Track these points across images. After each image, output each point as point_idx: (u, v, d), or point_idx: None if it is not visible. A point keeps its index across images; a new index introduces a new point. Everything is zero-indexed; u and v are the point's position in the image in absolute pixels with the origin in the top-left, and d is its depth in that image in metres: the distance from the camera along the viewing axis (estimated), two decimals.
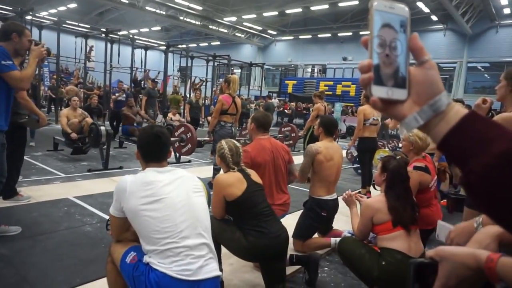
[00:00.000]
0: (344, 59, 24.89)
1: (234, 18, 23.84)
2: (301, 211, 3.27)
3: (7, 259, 2.59)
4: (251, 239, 2.18)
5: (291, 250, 3.05)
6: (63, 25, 12.32)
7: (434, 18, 19.85)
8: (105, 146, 5.64)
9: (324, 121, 3.21)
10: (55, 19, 12.69)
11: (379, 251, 2.24)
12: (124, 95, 9.17)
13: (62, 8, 22.66)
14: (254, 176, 2.37)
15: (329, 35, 24.81)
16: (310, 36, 25.90)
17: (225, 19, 23.98)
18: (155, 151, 1.82)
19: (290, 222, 3.10)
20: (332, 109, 16.72)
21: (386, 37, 0.51)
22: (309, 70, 28.29)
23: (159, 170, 1.77)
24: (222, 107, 4.79)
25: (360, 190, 5.23)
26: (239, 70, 25.82)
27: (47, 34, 12.96)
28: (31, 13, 10.98)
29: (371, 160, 5.30)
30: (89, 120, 6.38)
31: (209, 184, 4.66)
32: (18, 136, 3.71)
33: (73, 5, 21.49)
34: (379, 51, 0.51)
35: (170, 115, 8.81)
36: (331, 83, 23.49)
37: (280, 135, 8.79)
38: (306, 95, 20.76)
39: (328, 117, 3.36)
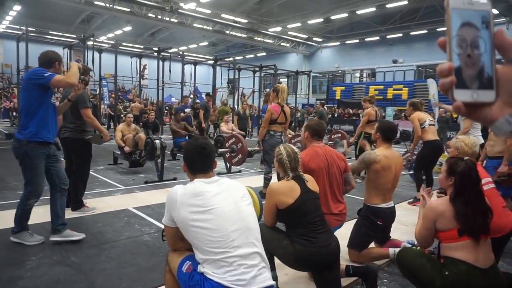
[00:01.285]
0: (394, 61, 23.99)
1: (279, 28, 24.03)
2: (356, 220, 3.16)
3: (77, 266, 2.79)
4: (298, 247, 2.15)
5: (347, 260, 2.96)
6: (120, 47, 13.21)
7: (495, 11, 18.52)
8: (160, 159, 5.90)
9: (382, 126, 3.07)
10: (113, 42, 13.67)
11: (442, 261, 2.09)
12: (189, 110, 9.36)
13: (118, 32, 24.32)
14: (311, 184, 2.33)
15: (377, 38, 24.10)
16: (357, 41, 25.34)
17: (270, 29, 24.26)
18: (200, 162, 1.86)
19: (344, 231, 3.01)
20: (384, 114, 16.13)
21: (467, 36, 0.48)
22: (358, 75, 27.61)
23: (206, 181, 1.81)
24: (271, 116, 4.81)
25: (416, 196, 4.98)
26: (286, 79, 25.84)
27: (106, 57, 13.99)
28: (92, 38, 11.89)
29: (432, 164, 5.01)
30: (142, 135, 6.74)
31: (261, 194, 4.68)
32: (84, 151, 4.03)
33: (128, 28, 22.99)
34: (460, 52, 0.48)
35: (223, 124, 8.97)
36: (382, 87, 22.72)
37: (330, 142, 8.63)
38: (355, 101, 20.24)
39: (387, 122, 3.21)
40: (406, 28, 22.16)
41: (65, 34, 20.98)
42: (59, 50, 15.06)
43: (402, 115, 17.39)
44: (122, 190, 5.29)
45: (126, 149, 6.52)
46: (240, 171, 7.12)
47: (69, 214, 4.02)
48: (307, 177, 2.35)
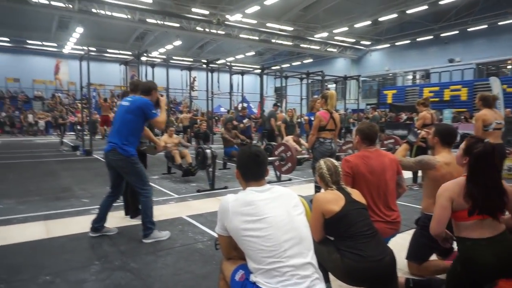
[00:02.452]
0: (451, 61, 22.65)
1: (325, 34, 23.78)
2: (414, 230, 3.00)
3: (136, 272, 2.93)
4: (347, 261, 2.07)
5: (406, 273, 2.82)
6: (170, 61, 13.84)
7: None
8: (211, 168, 6.05)
9: (440, 129, 2.89)
10: (164, 57, 14.35)
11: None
12: (247, 120, 9.56)
13: (169, 47, 25.51)
14: (355, 195, 2.27)
15: (430, 37, 22.95)
16: (408, 41, 24.31)
17: (316, 36, 24.08)
18: (253, 169, 1.87)
19: (400, 241, 2.87)
20: (441, 117, 15.24)
21: None
22: (410, 77, 26.44)
23: (258, 190, 1.82)
24: (320, 123, 4.75)
25: None
26: (334, 85, 25.43)
27: (158, 71, 14.71)
28: (145, 54, 12.58)
29: None
30: (185, 151, 7.20)
31: (311, 201, 4.61)
32: (141, 161, 4.25)
33: (178, 43, 24.00)
34: None
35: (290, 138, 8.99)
36: (437, 88, 21.52)
37: (383, 148, 8.31)
38: (409, 104, 19.36)
39: (445, 125, 3.02)
40: (462, 25, 20.88)
41: (121, 52, 22.47)
42: (116, 66, 16.05)
43: (462, 117, 16.33)
44: (176, 199, 5.49)
45: (177, 157, 6.82)
46: (290, 179, 7.09)
47: (128, 221, 4.26)
48: (350, 190, 2.30)
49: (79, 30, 21.00)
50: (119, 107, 3.67)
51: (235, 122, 8.76)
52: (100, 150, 12.02)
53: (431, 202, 2.75)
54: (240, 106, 14.93)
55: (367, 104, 23.16)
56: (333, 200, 2.19)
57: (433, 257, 2.91)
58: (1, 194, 5.63)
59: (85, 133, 13.77)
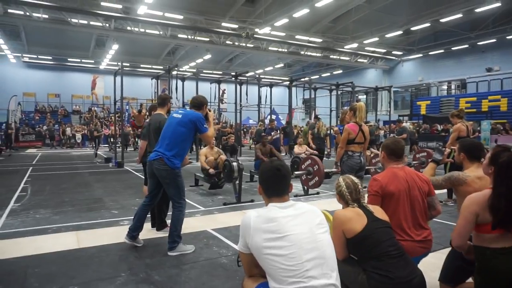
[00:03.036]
0: (489, 70, 21.75)
1: (355, 45, 23.55)
2: (448, 249, 2.83)
3: (160, 285, 2.94)
4: (374, 283, 1.97)
5: None
6: (200, 74, 14.15)
7: None
8: (237, 181, 6.05)
9: (465, 144, 2.75)
10: (194, 70, 14.69)
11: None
12: (274, 132, 9.60)
13: (199, 60, 26.15)
14: (378, 213, 2.18)
15: (466, 46, 22.20)
16: (442, 51, 23.63)
17: (346, 47, 23.89)
18: (275, 185, 1.84)
19: (432, 261, 2.72)
20: (478, 128, 14.57)
21: None
22: (445, 87, 25.57)
23: (281, 206, 1.78)
24: (348, 136, 4.67)
25: None
26: (364, 96, 25.03)
27: (188, 84, 15.06)
28: (176, 68, 12.95)
29: None
30: (223, 157, 7.01)
31: None
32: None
33: (208, 56, 24.58)
34: None
35: (296, 146, 8.97)
36: (474, 99, 20.68)
37: (415, 162, 8.03)
38: (443, 115, 18.69)
39: (469, 140, 2.89)
40: (501, 32, 20.06)
41: (153, 66, 23.23)
42: (147, 81, 16.58)
43: (502, 128, 15.55)
44: (202, 212, 5.51)
45: (211, 171, 6.79)
46: (318, 193, 6.95)
47: (154, 234, 4.31)
48: (372, 207, 2.21)
49: (115, 47, 22.01)
50: (170, 119, 3.78)
51: (262, 135, 8.76)
52: (132, 162, 12.44)
53: None
54: (268, 118, 14.99)
55: (399, 116, 22.59)
56: (354, 219, 2.11)
57: (470, 280, 2.73)
58: (38, 204, 5.88)
59: (117, 145, 14.24)
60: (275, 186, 1.84)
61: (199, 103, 3.81)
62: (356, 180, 2.29)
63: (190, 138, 3.72)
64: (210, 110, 3.97)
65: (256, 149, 8.16)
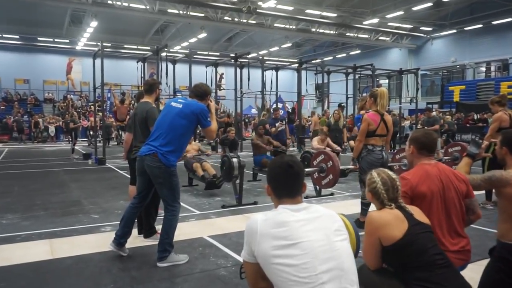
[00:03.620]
0: None
1: (376, 20, 23.40)
2: (487, 260, 2.81)
3: None
4: None
5: None
6: (194, 56, 14.13)
7: None
8: (238, 180, 6.05)
9: (506, 137, 2.69)
10: (187, 52, 14.68)
11: None
12: (280, 123, 9.52)
13: (193, 40, 26.12)
14: (418, 215, 2.15)
15: (508, 19, 21.92)
16: (480, 26, 23.39)
17: (365, 22, 23.75)
18: (286, 183, 1.83)
19: (470, 274, 2.68)
20: None
21: None
22: (483, 69, 25.42)
23: (293, 208, 1.77)
24: (368, 127, 4.64)
25: None
26: (386, 81, 24.89)
27: (180, 67, 15.05)
28: (165, 49, 12.94)
29: None
30: (208, 165, 7.26)
31: (357, 222, 4.49)
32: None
33: (203, 35, 24.50)
34: None
35: (315, 139, 8.87)
36: None
37: (447, 158, 7.98)
38: (481, 103, 18.59)
39: (511, 132, 2.85)
40: None
41: (139, 47, 23.23)
42: (132, 64, 16.56)
43: None
44: (197, 216, 5.53)
45: (189, 155, 7.07)
46: (332, 193, 6.95)
47: (141, 241, 4.32)
48: (410, 207, 2.17)
49: (93, 24, 22.00)
50: (167, 108, 3.76)
51: (267, 126, 8.72)
52: (115, 158, 12.47)
53: (509, 228, 2.56)
54: (274, 106, 14.91)
55: (428, 103, 22.47)
56: (393, 223, 2.07)
57: None
58: (5, 208, 5.91)
59: (98, 139, 14.28)
60: (286, 186, 1.83)
61: (202, 92, 3.84)
62: (393, 175, 2.23)
63: (190, 132, 3.75)
64: (211, 101, 4.00)
65: (253, 140, 8.14)
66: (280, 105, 17.75)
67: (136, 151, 4.25)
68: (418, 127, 14.91)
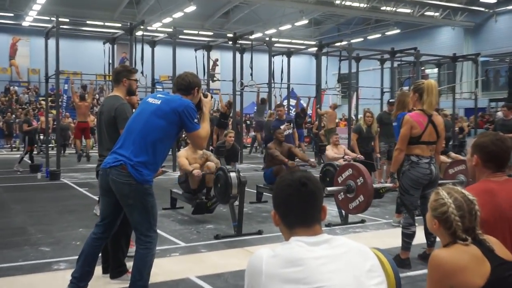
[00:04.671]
0: None
1: None
2: None
3: None
4: None
5: None
6: (180, 36, 14.17)
7: None
8: (237, 202, 6.04)
9: None
10: (170, 30, 14.74)
11: None
12: (285, 125, 9.54)
13: (178, 15, 26.23)
14: (500, 249, 2.11)
15: None
16: None
17: None
18: (300, 207, 1.81)
19: None
20: None
21: None
22: None
23: (310, 241, 1.75)
24: (411, 132, 4.63)
25: None
26: (435, 70, 24.92)
27: (161, 51, 15.12)
28: (142, 27, 12.99)
29: None
30: (210, 164, 7.03)
31: (397, 260, 4.46)
32: None
33: (191, 9, 24.56)
34: None
35: (329, 147, 8.91)
36: None
37: None
38: None
39: None
40: None
41: (107, 24, 23.40)
42: (98, 46, 16.63)
43: None
44: (182, 249, 5.52)
45: (196, 172, 6.73)
46: (362, 221, 6.92)
47: (107, 283, 4.30)
48: (487, 238, 2.13)
49: None
50: (142, 105, 3.76)
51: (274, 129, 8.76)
52: (73, 170, 12.42)
53: None
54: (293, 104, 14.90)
55: (491, 100, 22.44)
56: (471, 266, 2.02)
57: None
58: None
59: (51, 145, 14.29)
60: (299, 211, 1.82)
61: (187, 84, 3.78)
62: (470, 195, 2.17)
63: (170, 137, 3.72)
64: (206, 96, 3.97)
65: (270, 149, 8.11)
66: (293, 101, 17.75)
67: (101, 162, 4.24)
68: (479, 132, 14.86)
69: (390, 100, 11.48)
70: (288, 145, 8.21)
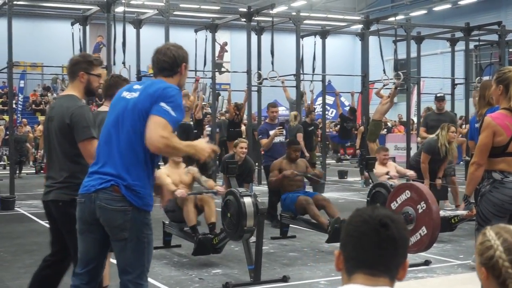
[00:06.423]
0: None
1: None
2: None
3: None
4: None
5: None
6: (174, 13, 14.24)
7: None
8: (254, 237, 6.06)
9: None
10: (162, 4, 14.82)
11: None
12: (281, 132, 9.66)
13: None
14: None
15: None
16: None
17: None
18: (370, 253, 1.81)
19: None
20: None
21: None
22: None
23: None
24: (494, 140, 4.60)
25: None
26: None
27: (148, 32, 15.20)
28: (123, 1, 13.09)
29: None
30: (210, 182, 7.29)
31: None
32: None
33: None
34: None
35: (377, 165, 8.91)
36: None
37: None
38: None
39: None
40: None
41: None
42: (65, 27, 16.88)
43: None
44: None
45: (180, 192, 6.83)
46: (427, 262, 6.87)
47: None
48: None
49: None
50: (116, 102, 3.77)
51: (255, 134, 8.83)
52: (31, 197, 12.43)
53: None
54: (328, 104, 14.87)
55: None
56: None
57: None
58: None
59: (1, 163, 14.43)
60: (368, 256, 1.82)
61: (171, 62, 3.75)
62: None
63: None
64: (198, 80, 3.91)
65: (270, 173, 8.15)
66: (330, 100, 17.71)
67: (51, 188, 4.26)
68: None
69: (438, 95, 11.40)
70: (303, 161, 8.27)
